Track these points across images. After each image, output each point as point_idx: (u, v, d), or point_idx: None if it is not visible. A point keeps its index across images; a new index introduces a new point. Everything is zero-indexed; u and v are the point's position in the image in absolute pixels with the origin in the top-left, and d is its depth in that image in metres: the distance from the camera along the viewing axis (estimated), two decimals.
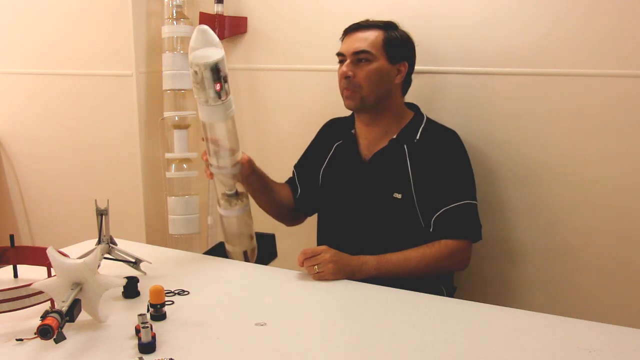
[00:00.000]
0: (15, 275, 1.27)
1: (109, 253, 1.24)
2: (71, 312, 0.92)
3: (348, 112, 1.57)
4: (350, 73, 1.40)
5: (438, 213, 1.39)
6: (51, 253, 0.97)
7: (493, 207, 1.62)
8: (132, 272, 1.25)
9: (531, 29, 1.53)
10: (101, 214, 1.22)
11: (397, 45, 1.44)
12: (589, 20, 1.46)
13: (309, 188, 1.60)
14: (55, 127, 2.28)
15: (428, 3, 1.64)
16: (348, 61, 1.41)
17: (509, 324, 1.06)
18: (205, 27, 1.18)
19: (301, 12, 1.85)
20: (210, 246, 2.09)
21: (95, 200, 1.22)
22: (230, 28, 1.94)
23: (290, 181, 1.65)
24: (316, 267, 1.25)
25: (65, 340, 0.87)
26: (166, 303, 1.06)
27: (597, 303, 1.56)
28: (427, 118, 1.50)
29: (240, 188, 1.43)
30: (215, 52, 1.17)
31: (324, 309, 1.13)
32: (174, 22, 1.98)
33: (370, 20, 1.45)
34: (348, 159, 1.52)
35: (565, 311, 1.11)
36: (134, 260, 1.26)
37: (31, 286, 0.99)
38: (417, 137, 1.44)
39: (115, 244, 1.26)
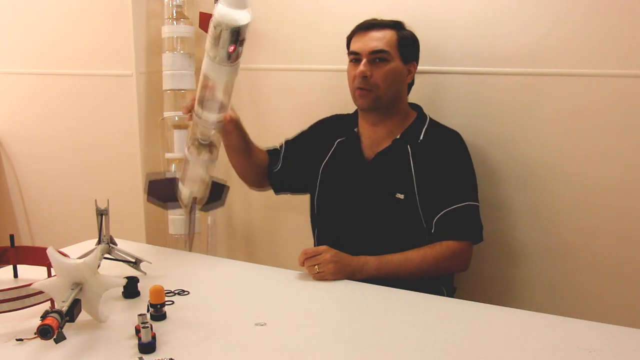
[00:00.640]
0: (15, 275, 1.27)
1: (109, 253, 1.24)
2: (71, 312, 0.92)
3: (348, 111, 1.57)
4: (368, 73, 1.40)
5: (440, 214, 1.39)
6: (51, 253, 0.97)
7: (494, 207, 1.62)
8: (132, 272, 1.25)
9: (532, 29, 1.53)
10: (101, 214, 1.22)
11: (408, 45, 1.45)
12: (589, 20, 1.46)
13: (291, 168, 1.59)
14: (55, 127, 2.27)
15: (428, 3, 1.64)
16: (365, 60, 1.40)
17: (509, 324, 1.06)
18: None
19: (301, 12, 1.85)
20: (210, 246, 2.09)
21: (95, 200, 1.22)
22: None
23: (274, 152, 1.63)
24: (317, 267, 1.25)
25: (65, 340, 0.87)
26: (166, 303, 1.06)
27: (597, 303, 1.56)
28: (430, 118, 1.50)
29: (215, 140, 1.36)
30: (243, 16, 1.12)
31: (324, 309, 1.13)
32: (174, 22, 1.98)
33: (379, 19, 1.45)
34: (350, 157, 1.51)
35: (565, 311, 1.11)
36: (134, 260, 1.26)
37: (31, 286, 0.99)
38: (421, 138, 1.44)
39: (115, 244, 1.26)
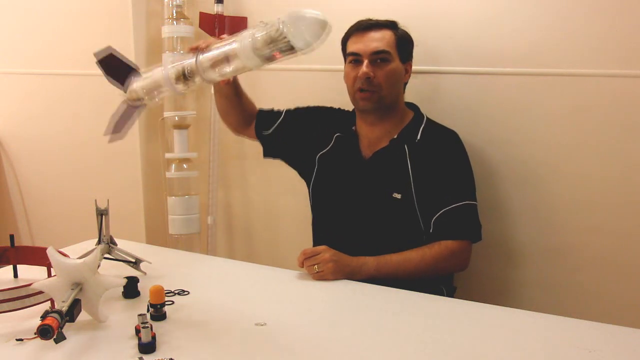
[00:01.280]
0: (15, 275, 1.27)
1: (109, 253, 1.24)
2: (71, 312, 0.92)
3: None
4: (371, 74, 1.40)
5: (438, 214, 1.38)
6: (51, 253, 0.97)
7: (493, 207, 1.62)
8: (132, 272, 1.25)
9: (531, 29, 1.53)
10: (101, 214, 1.22)
11: (405, 44, 1.46)
12: (589, 20, 1.46)
13: (283, 139, 1.59)
14: (55, 127, 2.27)
15: (427, 3, 1.64)
16: (366, 61, 1.40)
17: (509, 324, 1.06)
18: (329, 25, 1.06)
19: None
20: (210, 246, 2.09)
21: (95, 200, 1.22)
22: (230, 28, 1.94)
23: (268, 114, 1.62)
24: (316, 266, 1.25)
25: (65, 340, 0.87)
26: (166, 303, 1.06)
27: (597, 303, 1.56)
28: (427, 118, 1.50)
29: (197, 84, 1.27)
30: (308, 44, 1.06)
31: (324, 309, 1.13)
32: (174, 22, 1.98)
33: (373, 19, 1.45)
34: (348, 155, 1.51)
35: (565, 311, 1.11)
36: (134, 260, 1.26)
37: (31, 286, 0.99)
38: (418, 138, 1.44)
39: (115, 244, 1.26)
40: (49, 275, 1.10)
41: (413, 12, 1.62)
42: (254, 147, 1.96)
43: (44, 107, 2.28)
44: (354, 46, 1.43)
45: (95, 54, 1.36)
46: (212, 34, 1.94)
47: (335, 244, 1.31)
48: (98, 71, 2.14)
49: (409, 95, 1.53)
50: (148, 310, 1.04)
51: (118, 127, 1.38)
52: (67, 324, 0.91)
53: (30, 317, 1.01)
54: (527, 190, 1.60)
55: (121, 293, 1.14)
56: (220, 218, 2.15)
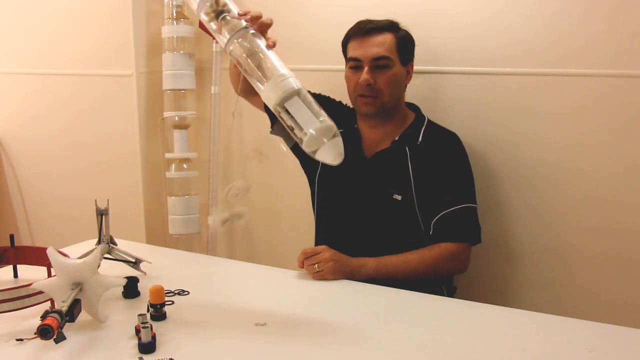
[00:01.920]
0: (15, 275, 1.27)
1: (109, 253, 1.24)
2: (71, 312, 0.92)
3: None
4: (372, 80, 1.39)
5: (438, 216, 1.39)
6: (51, 253, 0.97)
7: (493, 207, 1.62)
8: (132, 272, 1.25)
9: (531, 29, 1.53)
10: (101, 214, 1.22)
11: (406, 46, 1.45)
12: (589, 20, 1.46)
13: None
14: (55, 127, 2.27)
15: (428, 3, 1.64)
16: (367, 68, 1.39)
17: (509, 324, 1.06)
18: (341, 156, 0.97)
19: (301, 12, 1.85)
20: (210, 246, 2.09)
21: (95, 200, 1.22)
22: None
23: None
24: (316, 266, 1.25)
25: (65, 340, 0.87)
26: (166, 303, 1.06)
27: (597, 303, 1.56)
28: (428, 119, 1.50)
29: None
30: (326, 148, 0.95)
31: (324, 309, 1.13)
32: (174, 22, 1.98)
33: (374, 20, 1.44)
34: (350, 152, 1.50)
35: (565, 311, 1.11)
36: (134, 260, 1.26)
37: (31, 286, 0.99)
38: (420, 140, 1.44)
39: (115, 244, 1.26)
40: (49, 275, 1.10)
41: (413, 12, 1.61)
42: (254, 147, 1.97)
43: (44, 107, 2.28)
44: (354, 51, 1.42)
45: None
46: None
47: (336, 244, 1.31)
48: (98, 71, 2.15)
49: (409, 95, 1.53)
50: (148, 310, 1.04)
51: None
52: (67, 324, 0.91)
53: (30, 317, 1.01)
54: (527, 190, 1.60)
55: (121, 293, 1.14)
56: (221, 218, 2.15)
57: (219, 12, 1.04)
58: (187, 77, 1.99)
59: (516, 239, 1.64)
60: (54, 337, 0.84)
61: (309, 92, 1.35)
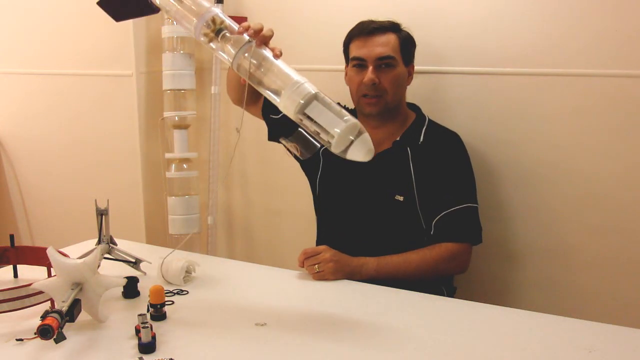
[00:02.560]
0: (15, 275, 1.27)
1: (109, 253, 1.24)
2: (71, 312, 0.92)
3: None
4: (376, 80, 1.39)
5: (439, 216, 1.39)
6: (51, 253, 0.97)
7: (493, 207, 1.62)
8: (132, 272, 1.25)
9: (531, 29, 1.53)
10: (101, 214, 1.22)
11: (408, 47, 1.46)
12: (589, 20, 1.46)
13: (290, 125, 1.52)
14: (55, 127, 2.28)
15: (428, 3, 1.64)
16: (372, 67, 1.39)
17: (509, 324, 1.06)
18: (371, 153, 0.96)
19: (301, 12, 1.85)
20: (210, 246, 2.09)
21: (95, 200, 1.22)
22: None
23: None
24: (316, 266, 1.25)
25: (65, 340, 0.87)
26: (166, 303, 1.06)
27: (597, 303, 1.56)
28: (429, 119, 1.50)
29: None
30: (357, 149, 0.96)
31: (324, 309, 1.13)
32: (174, 22, 1.97)
33: (377, 21, 1.44)
34: None
35: (565, 311, 1.11)
36: (134, 260, 1.26)
37: (31, 286, 0.99)
38: (421, 140, 1.44)
39: (115, 244, 1.26)
40: (49, 275, 1.10)
41: (413, 12, 1.61)
42: (254, 147, 1.97)
43: (44, 107, 2.28)
44: (358, 51, 1.42)
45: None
46: None
47: (338, 244, 1.31)
48: (98, 71, 2.15)
49: (409, 95, 1.53)
50: (148, 310, 1.04)
51: (117, 6, 1.28)
52: (67, 324, 0.91)
53: (30, 317, 1.01)
54: (528, 190, 1.60)
55: (121, 293, 1.14)
56: (220, 218, 2.15)
57: (217, 31, 1.03)
58: (187, 77, 1.99)
59: (516, 239, 1.64)
60: (54, 337, 0.84)
61: None
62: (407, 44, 1.45)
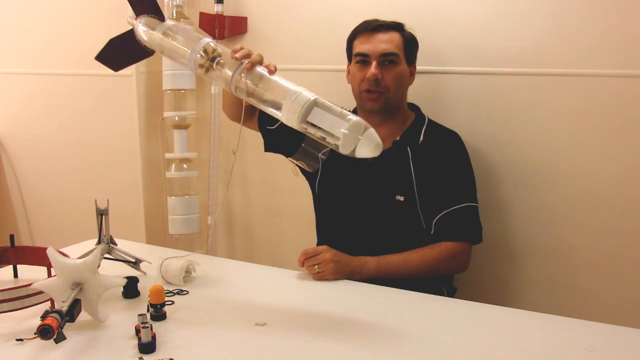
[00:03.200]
0: (15, 275, 1.27)
1: (109, 253, 1.24)
2: (71, 312, 0.92)
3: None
4: (379, 75, 1.39)
5: (439, 215, 1.39)
6: (51, 253, 0.97)
7: (493, 207, 1.62)
8: (132, 272, 1.25)
9: (531, 29, 1.53)
10: (101, 214, 1.22)
11: (411, 46, 1.46)
12: (589, 20, 1.46)
13: (288, 135, 1.38)
14: (55, 127, 2.28)
15: (429, 3, 1.64)
16: (375, 63, 1.39)
17: (509, 324, 1.06)
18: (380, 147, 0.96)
19: (301, 12, 1.85)
20: (210, 246, 2.09)
21: (95, 200, 1.22)
22: (230, 28, 1.94)
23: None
24: (316, 267, 1.25)
25: (65, 340, 0.87)
26: (166, 303, 1.06)
27: (597, 303, 1.56)
28: (429, 119, 1.50)
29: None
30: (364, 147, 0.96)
31: (324, 309, 1.13)
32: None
33: (381, 20, 1.45)
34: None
35: (565, 311, 1.11)
36: (134, 260, 1.26)
37: (31, 286, 0.99)
38: (421, 139, 1.44)
39: (115, 244, 1.26)
40: (49, 275, 1.10)
41: (413, 12, 1.61)
42: (254, 147, 1.96)
43: (44, 107, 2.28)
44: (362, 46, 1.43)
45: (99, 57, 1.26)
46: (212, 34, 1.94)
47: (338, 245, 1.31)
48: (98, 71, 2.14)
49: (410, 95, 1.53)
50: (148, 310, 1.04)
51: (115, 55, 1.28)
52: (67, 324, 0.91)
53: (30, 317, 1.01)
54: (528, 190, 1.60)
55: (121, 293, 1.14)
56: (220, 218, 2.15)
57: (212, 59, 1.05)
58: (187, 77, 1.99)
59: (516, 239, 1.64)
60: (54, 337, 0.84)
61: None
62: (410, 43, 1.45)
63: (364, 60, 1.42)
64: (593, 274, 1.56)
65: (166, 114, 2.02)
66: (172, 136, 2.04)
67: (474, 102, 1.62)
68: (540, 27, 1.52)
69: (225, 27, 1.93)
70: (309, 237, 1.63)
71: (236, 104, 1.49)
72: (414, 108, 1.53)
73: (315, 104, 0.93)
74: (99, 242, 1.22)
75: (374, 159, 1.44)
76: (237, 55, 1.02)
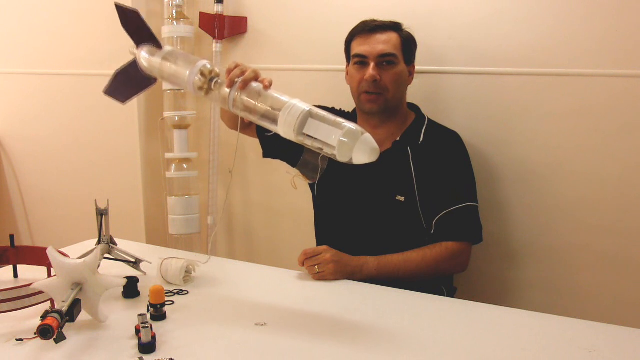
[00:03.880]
0: (15, 275, 1.27)
1: (109, 253, 1.24)
2: (71, 312, 0.92)
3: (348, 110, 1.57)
4: (378, 77, 1.39)
5: (440, 215, 1.39)
6: (51, 253, 0.97)
7: (492, 207, 1.62)
8: (132, 272, 1.25)
9: (531, 29, 1.53)
10: (101, 214, 1.22)
11: (410, 46, 1.46)
12: (589, 20, 1.46)
13: (286, 140, 1.52)
14: (55, 127, 2.27)
15: (428, 3, 1.64)
16: (373, 64, 1.39)
17: (509, 324, 1.06)
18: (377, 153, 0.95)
19: (301, 12, 1.85)
20: (210, 246, 2.09)
21: (95, 200, 1.22)
22: (230, 28, 1.94)
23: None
24: (317, 267, 1.25)
25: (65, 340, 0.87)
26: (166, 303, 1.06)
27: (596, 303, 1.56)
28: (429, 119, 1.50)
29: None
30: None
31: (324, 309, 1.13)
32: (174, 22, 1.97)
33: (378, 20, 1.45)
34: None
35: (565, 311, 1.11)
36: (134, 260, 1.26)
37: (31, 286, 0.99)
38: (421, 139, 1.44)
39: (115, 244, 1.26)
40: (49, 275, 1.10)
41: (413, 12, 1.62)
42: (254, 147, 1.96)
43: (43, 107, 2.28)
44: (359, 48, 1.43)
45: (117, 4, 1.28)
46: (212, 34, 1.94)
47: (339, 244, 1.31)
48: (98, 71, 2.14)
49: (409, 95, 1.53)
50: (148, 310, 1.04)
51: (121, 88, 1.34)
52: (67, 324, 0.91)
53: (30, 317, 1.01)
54: (527, 190, 1.60)
55: (121, 293, 1.14)
56: (220, 218, 2.15)
57: (210, 80, 1.08)
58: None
59: (516, 238, 1.64)
60: (54, 337, 0.84)
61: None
62: (408, 43, 1.45)
63: (362, 61, 1.42)
64: (593, 273, 1.56)
65: (166, 114, 2.02)
66: (172, 136, 2.04)
67: (474, 102, 1.62)
68: (540, 27, 1.52)
69: (225, 27, 1.93)
70: (309, 237, 1.63)
71: (234, 117, 1.50)
72: (414, 108, 1.53)
73: (309, 115, 0.93)
74: (99, 242, 1.23)
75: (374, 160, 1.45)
76: (230, 75, 1.04)
